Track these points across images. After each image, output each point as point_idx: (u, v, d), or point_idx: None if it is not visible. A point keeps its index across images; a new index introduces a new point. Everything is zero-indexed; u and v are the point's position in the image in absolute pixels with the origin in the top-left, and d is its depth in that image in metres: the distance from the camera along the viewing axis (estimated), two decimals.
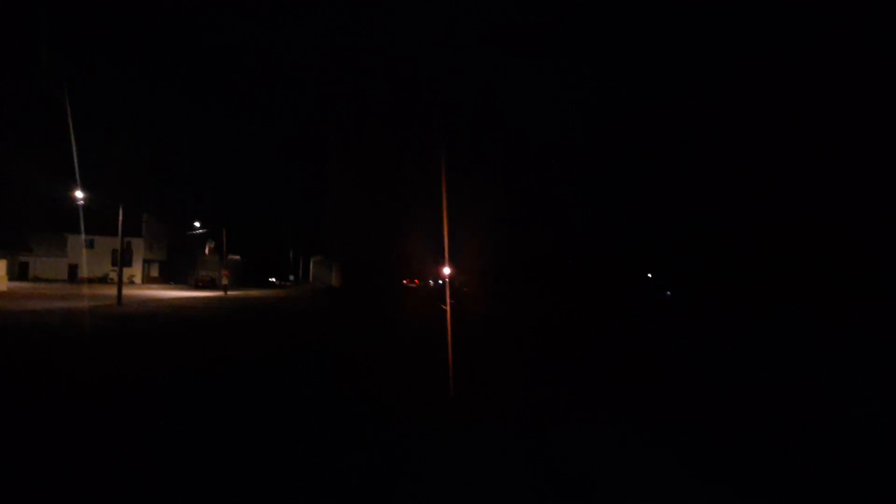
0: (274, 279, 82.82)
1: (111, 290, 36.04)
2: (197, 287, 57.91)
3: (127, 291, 33.21)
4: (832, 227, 47.41)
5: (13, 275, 49.83)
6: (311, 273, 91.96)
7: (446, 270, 10.25)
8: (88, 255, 59.03)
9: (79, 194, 33.24)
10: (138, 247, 64.04)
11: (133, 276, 61.89)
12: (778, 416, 6.26)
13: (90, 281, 55.85)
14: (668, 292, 71.64)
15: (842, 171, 53.51)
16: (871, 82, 54.62)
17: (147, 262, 66.43)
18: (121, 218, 30.20)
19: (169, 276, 69.50)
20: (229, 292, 47.73)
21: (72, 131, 28.60)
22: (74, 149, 29.70)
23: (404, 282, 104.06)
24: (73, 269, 60.53)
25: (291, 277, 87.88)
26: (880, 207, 48.08)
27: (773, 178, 59.18)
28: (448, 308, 10.36)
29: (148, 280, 65.59)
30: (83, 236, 55.54)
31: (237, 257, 74.62)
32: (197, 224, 66.32)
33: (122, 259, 33.38)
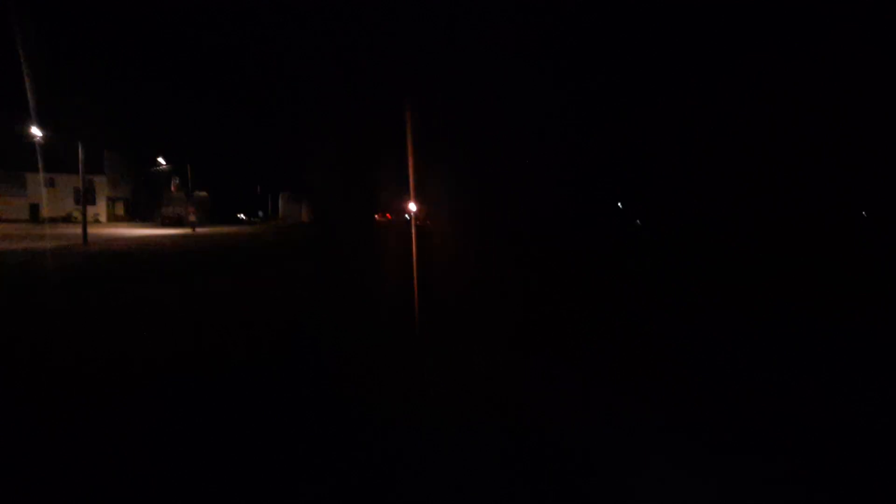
0: (243, 216, 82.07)
1: (75, 230, 35.52)
2: (164, 224, 57.19)
3: (92, 230, 32.78)
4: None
5: None
6: (280, 208, 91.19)
7: (412, 206, 10.42)
8: (50, 194, 57.69)
9: (36, 131, 32.24)
10: (101, 184, 62.68)
11: (97, 214, 60.80)
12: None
13: (53, 221, 54.79)
14: (639, 221, 72.71)
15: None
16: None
17: (111, 200, 65.19)
18: (81, 155, 29.51)
19: (135, 214, 68.40)
20: (197, 229, 47.29)
21: (27, 65, 27.54)
22: (30, 83, 28.66)
23: (376, 216, 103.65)
24: (34, 209, 59.20)
25: (260, 213, 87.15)
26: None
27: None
28: (413, 240, 10.44)
29: (113, 218, 64.53)
30: (42, 175, 54.10)
31: (204, 193, 73.49)
32: (162, 160, 65.01)
33: (85, 197, 32.77)
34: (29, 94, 29.96)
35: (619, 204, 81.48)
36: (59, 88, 55.02)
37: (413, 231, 9.63)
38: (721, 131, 73.36)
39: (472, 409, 5.71)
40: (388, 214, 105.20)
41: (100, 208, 62.35)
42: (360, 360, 7.08)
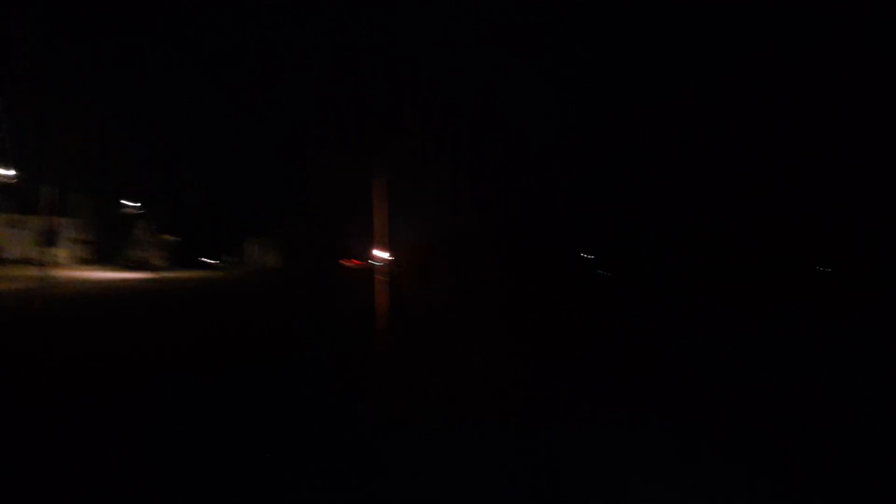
0: (210, 260, 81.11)
1: (37, 272, 34.81)
2: (128, 268, 56.27)
3: (53, 273, 32.21)
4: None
5: None
6: (248, 254, 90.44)
7: (378, 253, 10.57)
8: (12, 236, 56.51)
9: (2, 171, 31.88)
10: (65, 226, 61.64)
11: (59, 256, 59.63)
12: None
13: (14, 262, 53.55)
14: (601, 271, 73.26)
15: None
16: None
17: (74, 243, 64.05)
18: (45, 196, 29.18)
19: (99, 257, 67.20)
20: (164, 273, 46.68)
21: None
22: None
23: (343, 262, 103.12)
24: None
25: (228, 258, 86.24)
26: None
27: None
28: (378, 287, 10.71)
29: (76, 261, 63.29)
30: (4, 216, 53.13)
31: (171, 237, 72.65)
32: (129, 203, 64.19)
33: (48, 240, 32.22)
34: None
35: (583, 254, 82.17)
36: (25, 130, 54.53)
37: (378, 278, 9.78)
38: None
39: None
40: (356, 260, 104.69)
41: (63, 250, 61.19)
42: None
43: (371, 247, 12.21)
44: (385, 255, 11.66)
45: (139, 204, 65.42)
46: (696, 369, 7.87)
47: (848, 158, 55.83)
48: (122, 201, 64.03)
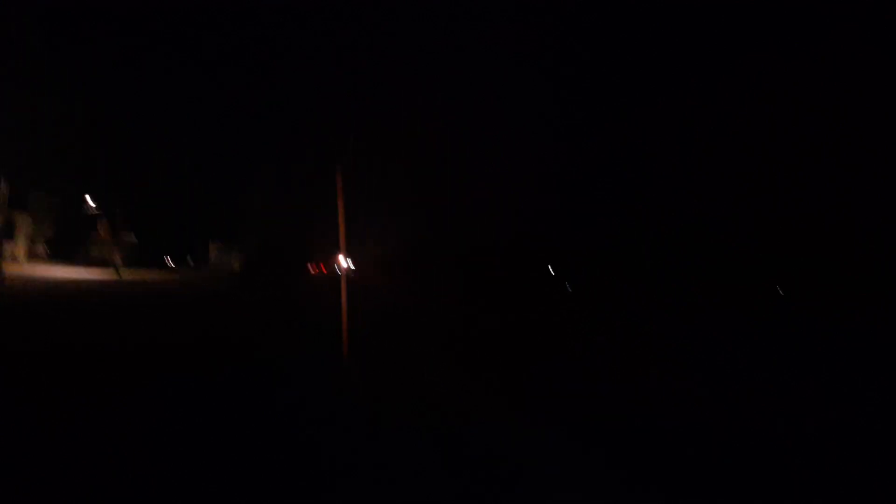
0: (171, 262, 79.98)
1: None
2: (88, 266, 55.31)
3: (9, 269, 31.64)
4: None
5: None
6: (210, 257, 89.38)
7: (342, 261, 10.82)
8: None
9: None
10: (23, 222, 60.33)
11: (15, 252, 58.31)
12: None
13: None
14: (568, 284, 73.80)
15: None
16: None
17: (33, 240, 62.67)
18: (5, 190, 28.77)
19: (58, 255, 65.80)
20: (123, 274, 46.05)
21: None
22: None
23: (310, 267, 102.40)
24: None
25: (190, 261, 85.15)
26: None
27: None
28: (343, 295, 10.95)
29: (34, 258, 61.90)
30: None
31: (132, 237, 71.57)
32: (90, 200, 63.16)
33: (4, 234, 31.70)
34: None
35: (550, 268, 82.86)
36: None
37: (343, 284, 10.07)
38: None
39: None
40: (322, 266, 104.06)
41: (19, 246, 59.84)
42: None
43: (335, 255, 12.37)
44: (347, 263, 11.95)
45: (100, 203, 64.37)
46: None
47: (848, 158, 56.59)
48: (84, 199, 62.94)
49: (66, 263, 61.50)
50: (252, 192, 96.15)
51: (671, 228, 57.34)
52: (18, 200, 56.64)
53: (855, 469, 4.88)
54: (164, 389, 7.97)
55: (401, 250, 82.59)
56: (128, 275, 46.85)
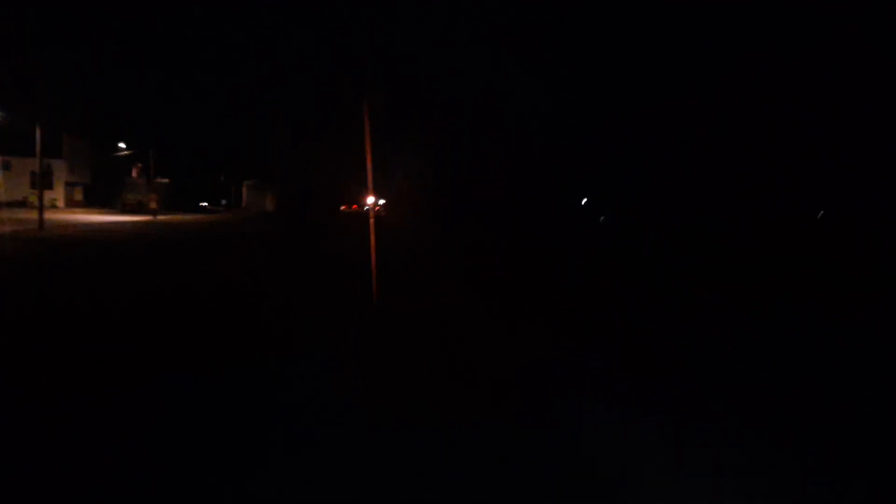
0: (205, 203, 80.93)
1: (31, 215, 34.86)
2: (124, 211, 56.24)
3: (49, 216, 32.24)
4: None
5: None
6: (244, 198, 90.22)
7: (370, 199, 11.00)
8: (6, 178, 56.20)
9: None
10: (60, 169, 61.31)
11: (55, 199, 59.48)
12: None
13: (9, 205, 53.46)
14: (602, 217, 73.46)
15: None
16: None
17: (70, 185, 63.79)
18: (38, 137, 28.98)
19: (94, 200, 67.02)
20: (159, 216, 46.74)
21: None
22: None
23: (342, 207, 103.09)
24: None
25: (224, 202, 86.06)
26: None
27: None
28: (372, 229, 10.87)
29: (71, 204, 63.16)
30: None
31: (166, 180, 72.33)
32: (123, 145, 63.63)
33: (42, 181, 32.21)
34: None
35: (584, 200, 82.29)
36: (18, 69, 53.64)
37: (371, 220, 10.11)
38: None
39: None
40: (353, 206, 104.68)
41: (57, 193, 61.00)
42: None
43: (364, 194, 12.47)
44: (376, 200, 11.82)
45: (134, 147, 64.80)
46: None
47: (848, 158, 55.63)
48: (118, 144, 63.40)
49: (102, 208, 62.68)
50: (284, 133, 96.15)
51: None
52: (53, 147, 57.43)
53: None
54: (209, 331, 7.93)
55: (427, 187, 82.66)
56: (163, 217, 47.53)
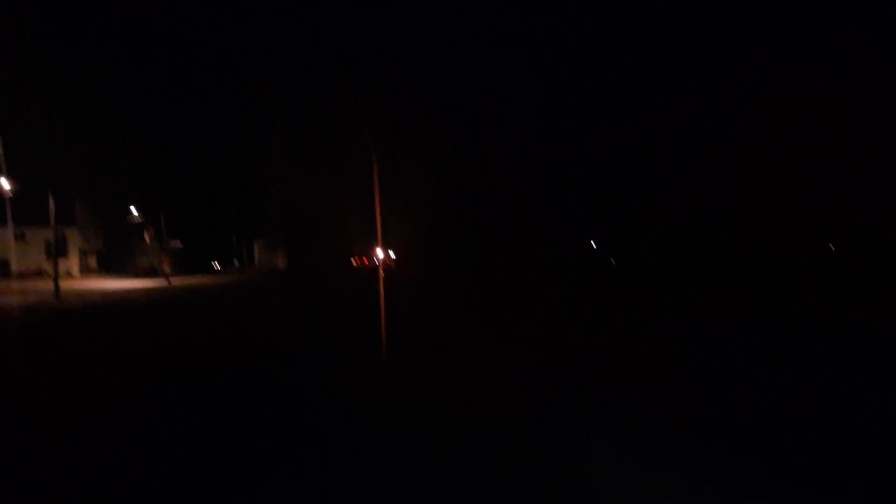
0: (217, 265, 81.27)
1: (47, 285, 34.95)
2: (138, 276, 56.50)
3: (64, 284, 32.29)
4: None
5: None
6: (255, 257, 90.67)
7: (379, 252, 11.06)
8: (19, 248, 56.70)
9: (5, 184, 31.96)
10: (73, 237, 61.87)
11: (69, 268, 59.87)
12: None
13: (23, 275, 53.78)
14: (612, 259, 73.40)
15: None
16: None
17: (83, 253, 64.28)
18: (52, 206, 29.24)
19: (108, 267, 67.46)
20: (172, 280, 46.81)
21: None
22: None
23: (353, 260, 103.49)
24: (3, 265, 58.09)
25: (236, 262, 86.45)
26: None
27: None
28: (381, 284, 10.74)
29: (86, 271, 63.55)
30: (12, 228, 53.27)
31: (178, 243, 72.89)
32: (134, 210, 64.38)
33: (57, 250, 32.39)
34: None
35: (593, 243, 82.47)
36: (29, 139, 54.66)
37: (381, 283, 10.07)
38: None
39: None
40: (364, 259, 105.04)
41: (72, 261, 61.42)
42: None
43: (374, 246, 12.38)
44: (385, 254, 11.68)
45: (145, 212, 65.57)
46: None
47: (848, 158, 56.06)
48: (129, 209, 64.18)
49: (116, 274, 63.01)
50: (293, 190, 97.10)
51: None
52: (66, 215, 58.13)
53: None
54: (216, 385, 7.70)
55: (437, 238, 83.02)
56: (176, 281, 47.60)
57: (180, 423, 6.54)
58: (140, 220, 67.28)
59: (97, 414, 7.00)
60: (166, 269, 49.35)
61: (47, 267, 54.93)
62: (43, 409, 7.41)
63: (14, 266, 56.00)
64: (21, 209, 48.49)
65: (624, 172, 76.51)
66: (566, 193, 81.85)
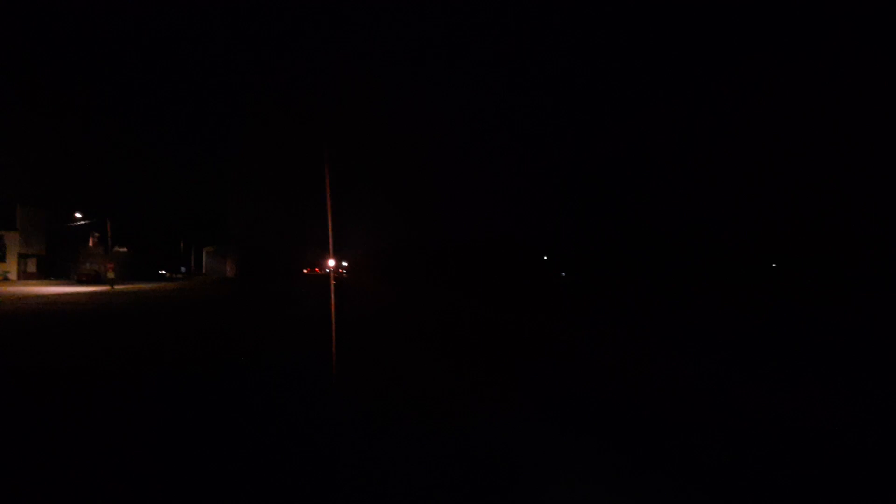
0: (165, 272, 79.74)
1: None
2: (80, 282, 55.22)
3: (1, 288, 31.60)
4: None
5: None
6: (203, 264, 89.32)
7: (331, 262, 11.43)
8: None
9: None
10: (13, 241, 60.12)
11: (7, 272, 58.16)
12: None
13: None
14: (563, 273, 74.40)
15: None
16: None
17: (23, 257, 62.44)
18: None
19: (49, 271, 65.61)
20: (116, 286, 46.05)
21: None
22: None
23: (305, 270, 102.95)
24: None
25: (183, 269, 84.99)
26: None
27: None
28: (332, 290, 11.13)
29: (25, 276, 61.71)
30: None
31: (124, 249, 71.38)
32: (79, 215, 62.86)
33: None
34: None
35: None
36: None
37: (332, 280, 10.35)
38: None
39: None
40: (317, 269, 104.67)
41: (10, 265, 59.64)
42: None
43: (325, 257, 12.62)
44: (337, 263, 12.09)
45: (90, 216, 64.09)
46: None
47: (847, 158, 57.27)
48: (74, 213, 62.64)
49: (58, 279, 61.38)
50: (244, 199, 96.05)
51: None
52: (7, 218, 56.54)
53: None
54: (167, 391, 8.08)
55: (390, 249, 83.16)
56: (121, 287, 46.82)
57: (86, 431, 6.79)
58: (85, 224, 65.73)
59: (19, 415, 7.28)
60: (110, 274, 48.44)
61: None
62: None
63: None
64: None
65: (623, 172, 76.60)
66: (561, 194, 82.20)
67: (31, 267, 64.32)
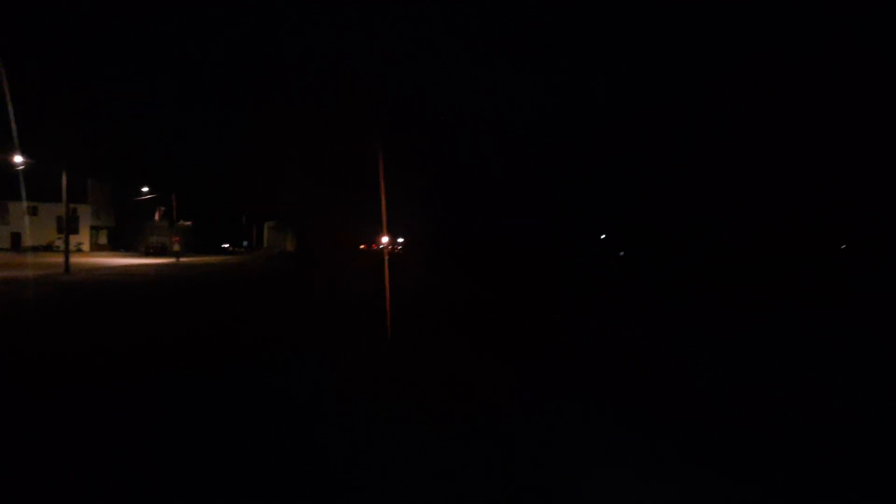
0: (227, 245, 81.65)
1: (58, 259, 35.23)
2: (147, 254, 56.88)
3: (74, 259, 32.53)
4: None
5: None
6: (265, 238, 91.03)
7: (384, 238, 11.15)
8: (32, 223, 57.25)
9: (18, 159, 32.13)
10: (85, 213, 62.33)
11: (80, 243, 60.36)
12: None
13: (35, 249, 54.28)
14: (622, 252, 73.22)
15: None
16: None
17: (95, 229, 64.77)
18: (64, 183, 29.44)
19: (118, 244, 67.95)
20: (181, 259, 47.10)
21: (8, 92, 27.60)
22: (12, 111, 28.65)
23: (361, 246, 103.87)
24: (16, 238, 58.70)
25: (245, 243, 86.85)
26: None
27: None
28: (386, 267, 10.84)
29: (96, 248, 64.05)
30: (25, 203, 53.75)
31: (188, 223, 73.27)
32: (146, 189, 64.79)
33: (68, 226, 32.63)
34: (11, 122, 29.91)
35: (602, 235, 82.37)
36: (43, 115, 54.99)
37: (386, 258, 10.13)
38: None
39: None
40: (373, 245, 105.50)
41: (83, 237, 61.91)
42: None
43: (380, 234, 12.40)
44: (392, 240, 11.80)
45: (157, 191, 65.87)
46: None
47: (847, 158, 55.75)
48: (141, 188, 64.49)
49: (127, 251, 63.47)
50: (303, 174, 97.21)
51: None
52: (78, 192, 58.52)
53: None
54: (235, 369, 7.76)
55: (439, 232, 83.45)
56: (186, 259, 47.88)
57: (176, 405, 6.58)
58: (152, 199, 67.64)
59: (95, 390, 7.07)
60: (176, 247, 49.60)
61: (58, 241, 55.40)
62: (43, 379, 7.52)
63: (27, 240, 56.57)
64: (35, 185, 48.94)
65: (623, 172, 76.68)
66: (568, 190, 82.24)
67: (102, 239, 66.73)
